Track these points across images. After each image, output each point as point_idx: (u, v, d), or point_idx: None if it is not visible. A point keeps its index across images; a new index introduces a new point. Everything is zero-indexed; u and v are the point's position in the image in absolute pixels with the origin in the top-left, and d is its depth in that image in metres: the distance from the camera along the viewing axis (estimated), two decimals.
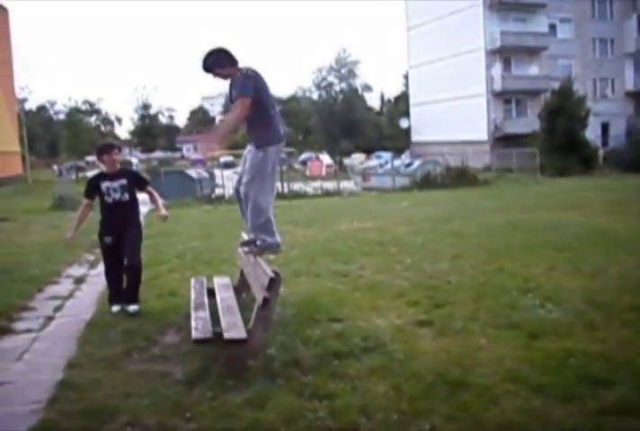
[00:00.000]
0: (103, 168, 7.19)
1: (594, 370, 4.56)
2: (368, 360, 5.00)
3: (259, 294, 4.91)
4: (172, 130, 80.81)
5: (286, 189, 24.92)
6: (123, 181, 7.03)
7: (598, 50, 48.58)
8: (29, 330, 6.58)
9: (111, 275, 7.11)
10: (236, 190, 6.00)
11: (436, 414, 3.95)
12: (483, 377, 4.53)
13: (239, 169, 6.13)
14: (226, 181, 26.02)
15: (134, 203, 7.17)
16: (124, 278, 7.00)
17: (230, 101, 5.66)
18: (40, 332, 6.53)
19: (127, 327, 6.26)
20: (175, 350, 5.57)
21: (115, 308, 6.96)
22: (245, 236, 6.06)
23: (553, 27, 46.97)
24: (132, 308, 6.87)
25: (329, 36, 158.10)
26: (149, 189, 7.33)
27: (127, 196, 7.05)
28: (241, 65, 5.56)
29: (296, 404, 4.19)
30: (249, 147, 5.73)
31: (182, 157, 73.91)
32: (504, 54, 45.97)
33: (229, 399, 4.36)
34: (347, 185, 27.91)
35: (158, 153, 71.94)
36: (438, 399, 4.18)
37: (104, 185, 7.00)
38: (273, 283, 4.70)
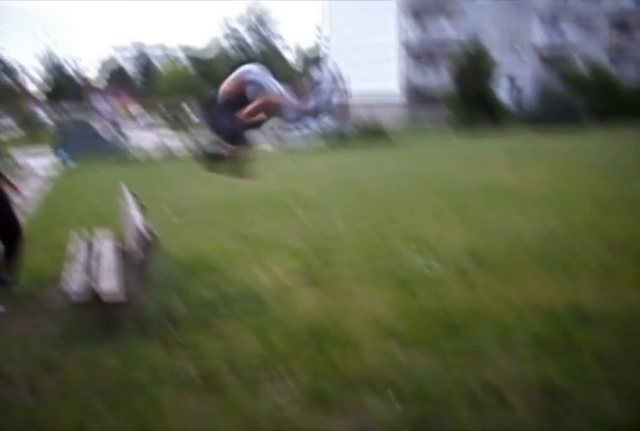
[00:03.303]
0: None
1: (455, 315, 4.88)
2: (242, 313, 5.10)
3: (135, 252, 4.94)
4: (80, 82, 77.07)
5: (194, 145, 24.49)
6: None
7: (508, 5, 49.28)
8: None
9: None
10: None
11: (297, 361, 4.08)
12: (355, 335, 4.64)
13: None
14: (135, 135, 25.33)
15: None
16: None
17: None
18: None
19: None
20: (52, 305, 5.57)
21: None
22: None
23: None
24: None
25: None
26: None
27: None
28: None
29: (162, 356, 4.26)
30: None
31: (93, 110, 71.47)
32: (416, 8, 46.22)
33: (98, 352, 4.40)
34: (263, 146, 27.70)
35: (66, 106, 69.34)
36: (302, 347, 4.32)
37: None
38: (148, 245, 4.72)
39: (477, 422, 3.33)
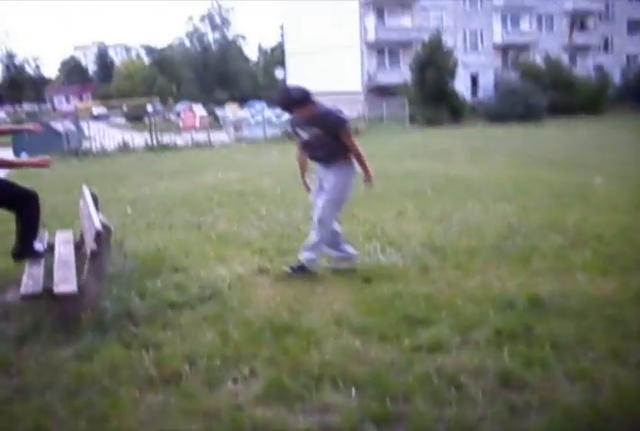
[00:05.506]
0: None
1: (416, 310, 4.78)
2: (202, 309, 5.03)
3: (89, 247, 4.83)
4: (40, 81, 76.43)
5: (155, 142, 24.38)
6: None
7: (468, 3, 49.76)
8: None
9: None
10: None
11: (258, 358, 4.04)
12: (309, 321, 4.66)
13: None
14: (96, 134, 25.24)
15: None
16: None
17: (294, 130, 6.20)
18: None
19: None
20: (13, 308, 5.38)
21: None
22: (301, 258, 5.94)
23: None
24: None
25: None
26: None
27: None
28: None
29: (123, 355, 4.18)
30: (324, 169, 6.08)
31: (54, 110, 70.60)
32: (377, 4, 46.33)
33: (57, 353, 4.31)
34: (219, 136, 27.58)
35: (27, 106, 68.61)
36: (262, 343, 4.27)
37: None
38: (100, 236, 4.62)
39: (437, 414, 3.30)
